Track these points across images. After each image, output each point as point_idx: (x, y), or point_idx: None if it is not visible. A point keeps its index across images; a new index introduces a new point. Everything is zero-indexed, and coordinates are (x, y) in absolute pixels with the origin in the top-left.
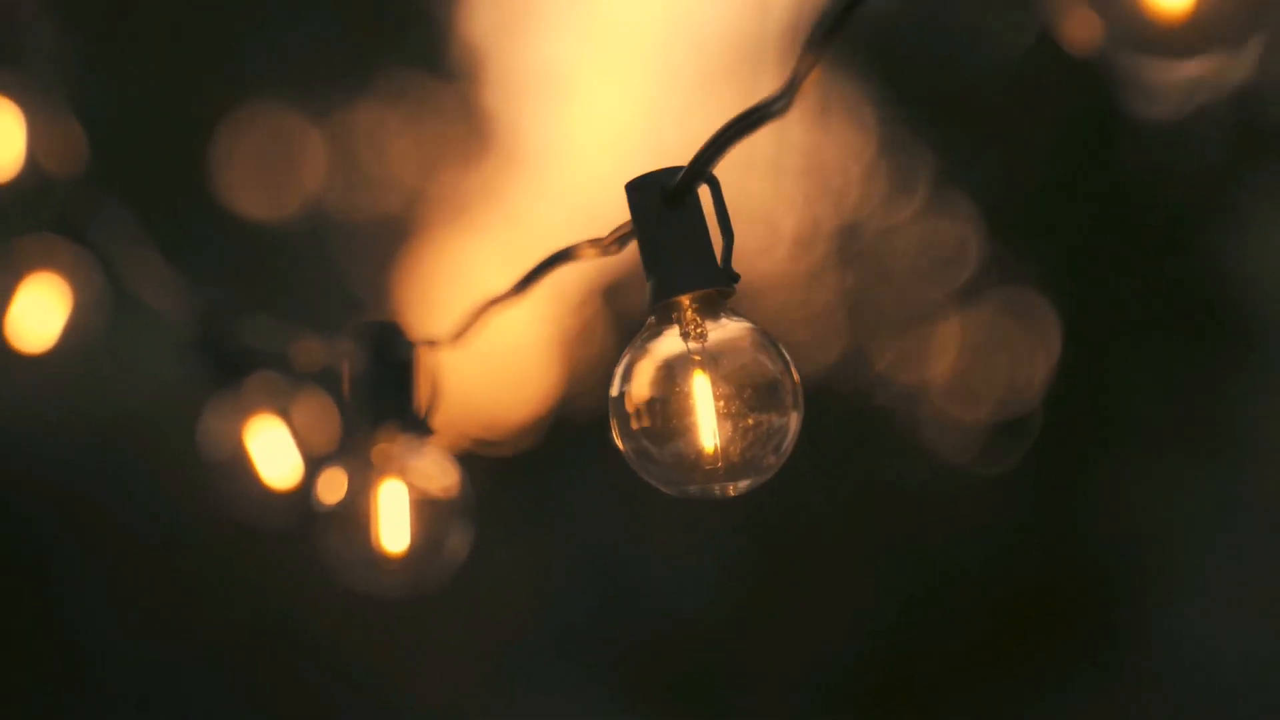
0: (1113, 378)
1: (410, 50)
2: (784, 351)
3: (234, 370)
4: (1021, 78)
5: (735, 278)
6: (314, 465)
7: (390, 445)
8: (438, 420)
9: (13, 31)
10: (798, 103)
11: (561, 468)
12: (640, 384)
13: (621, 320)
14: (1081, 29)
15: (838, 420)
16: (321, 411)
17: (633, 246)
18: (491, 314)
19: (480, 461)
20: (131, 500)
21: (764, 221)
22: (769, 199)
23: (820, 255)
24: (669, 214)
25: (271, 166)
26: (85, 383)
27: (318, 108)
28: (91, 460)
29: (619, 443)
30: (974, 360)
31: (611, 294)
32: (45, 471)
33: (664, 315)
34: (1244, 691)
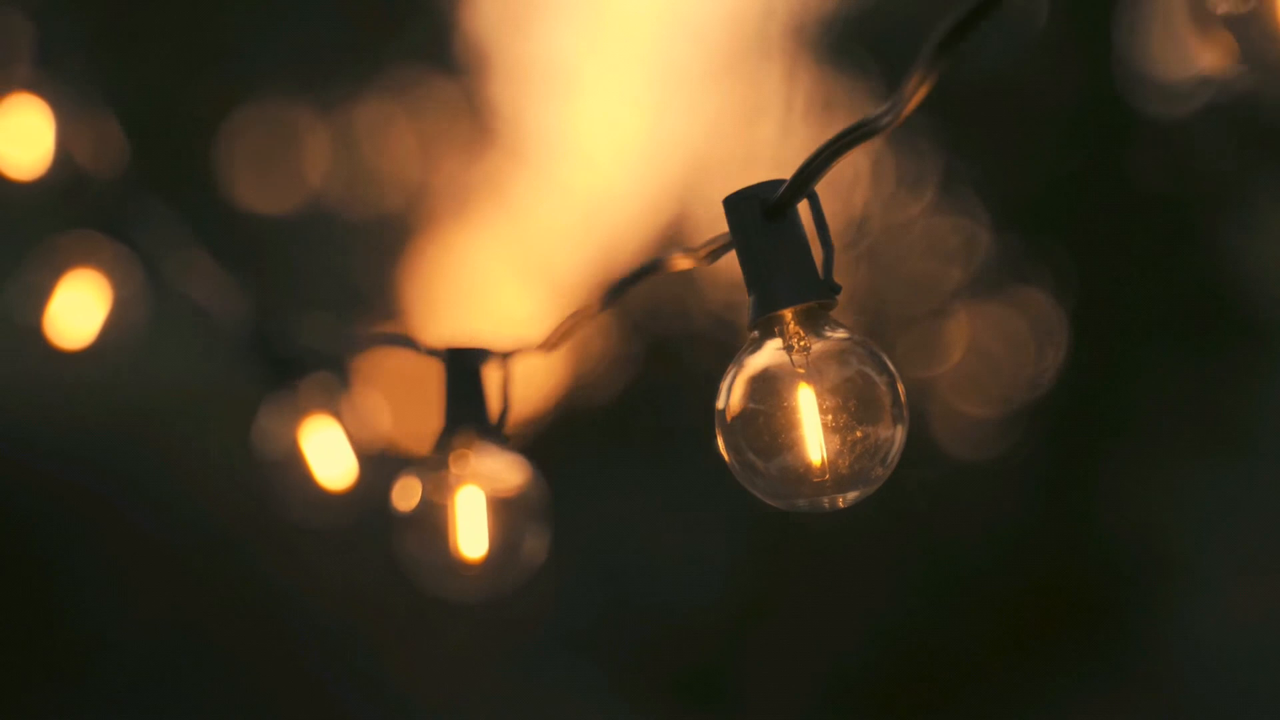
0: (1122, 375)
1: (413, 45)
2: (889, 363)
3: (288, 369)
4: (1030, 75)
5: (837, 289)
6: (378, 467)
7: (467, 451)
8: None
9: (45, 31)
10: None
11: (567, 464)
12: (745, 398)
13: (628, 317)
14: (1217, 50)
15: None
16: (375, 412)
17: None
18: (579, 324)
19: None
20: (140, 497)
21: None
22: None
23: None
24: (769, 228)
25: (274, 161)
26: (96, 379)
27: (321, 102)
28: (100, 455)
29: (725, 456)
30: (982, 357)
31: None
32: (52, 467)
33: (766, 329)
34: (1256, 690)
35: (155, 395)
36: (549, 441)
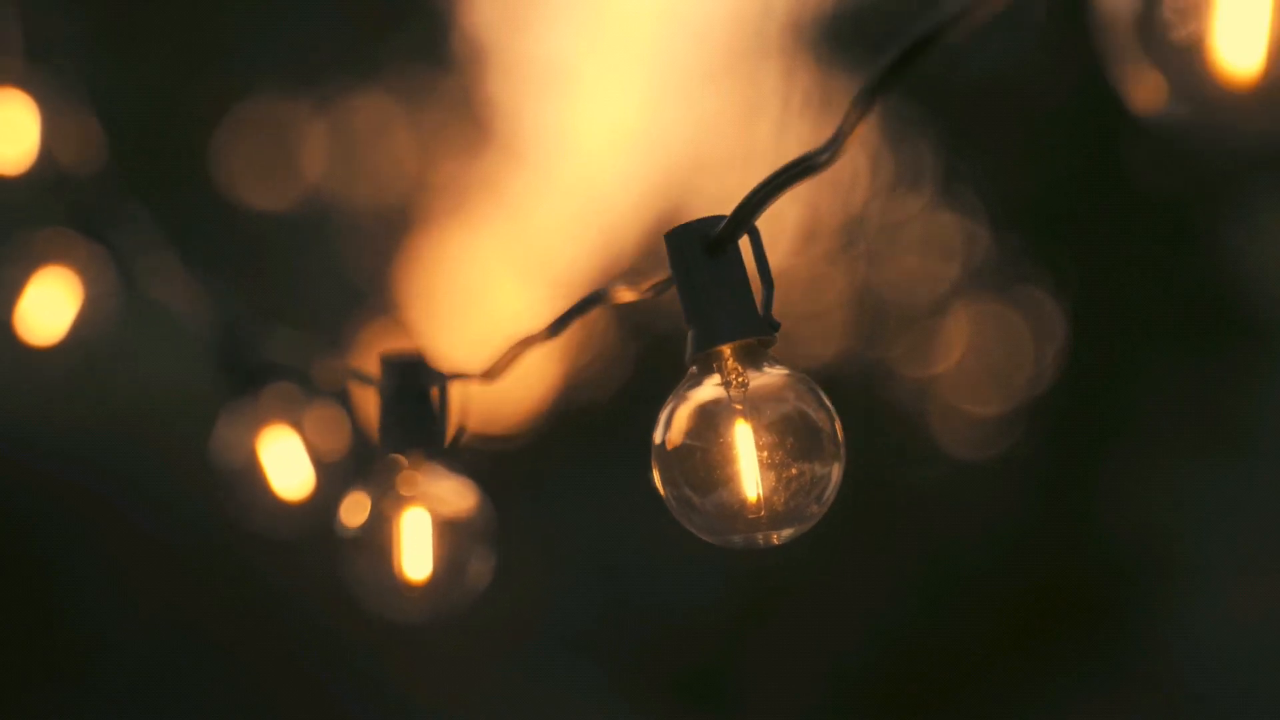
0: (1122, 375)
1: (411, 42)
2: (826, 400)
3: (249, 379)
4: (1030, 74)
5: (776, 326)
6: (329, 478)
7: (414, 472)
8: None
9: (30, 26)
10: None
11: (565, 463)
12: (683, 433)
13: (625, 316)
14: (1147, 91)
15: (843, 417)
16: (335, 424)
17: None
18: (524, 353)
19: (483, 457)
20: (138, 496)
21: (768, 217)
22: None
23: (825, 250)
24: (709, 263)
25: (272, 157)
26: (93, 378)
27: (318, 99)
28: (98, 455)
29: (660, 490)
30: (981, 357)
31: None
32: (52, 467)
33: (705, 365)
34: (1256, 690)
35: (155, 395)
36: (548, 442)
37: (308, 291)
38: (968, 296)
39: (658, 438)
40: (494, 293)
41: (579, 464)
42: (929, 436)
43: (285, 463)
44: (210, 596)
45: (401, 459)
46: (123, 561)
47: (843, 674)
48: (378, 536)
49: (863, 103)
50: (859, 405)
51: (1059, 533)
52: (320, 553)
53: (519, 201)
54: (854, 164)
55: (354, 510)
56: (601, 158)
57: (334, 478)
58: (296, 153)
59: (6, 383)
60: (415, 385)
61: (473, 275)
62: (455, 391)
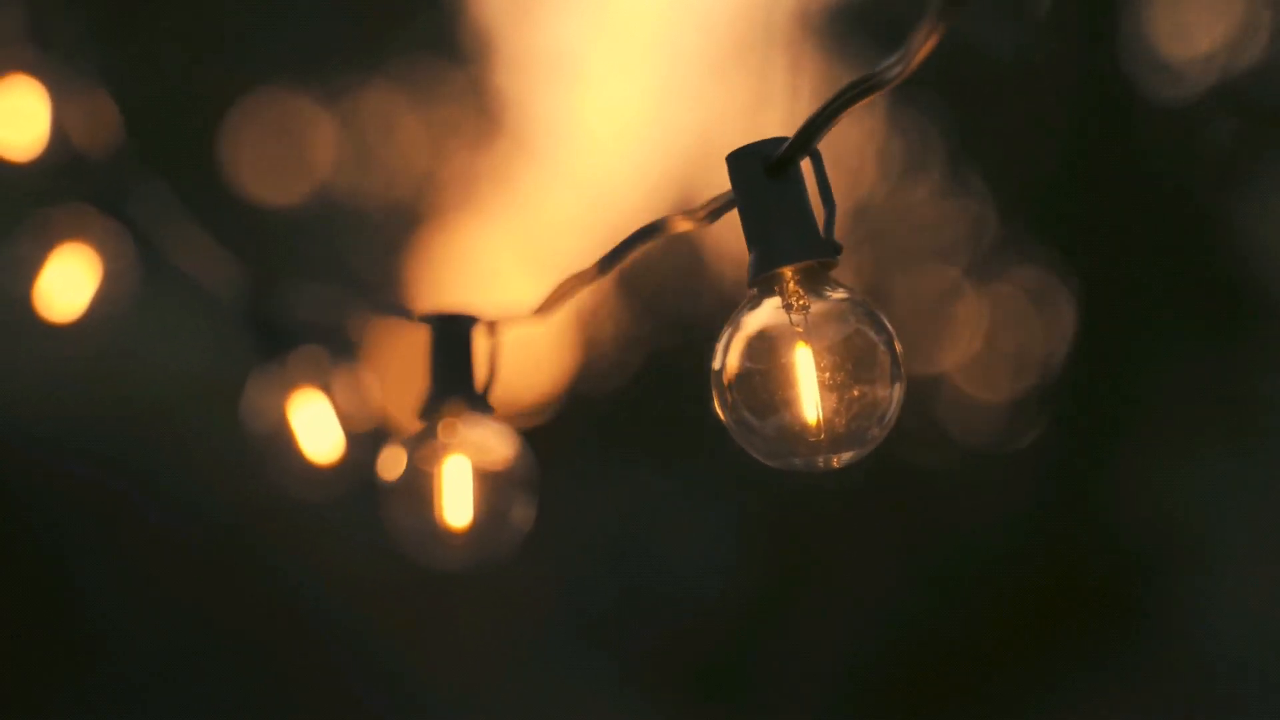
0: (1135, 360)
1: (420, 34)
2: (887, 323)
3: (278, 343)
4: (1036, 59)
5: (838, 249)
6: (369, 439)
7: (454, 420)
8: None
9: (37, 13)
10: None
11: (580, 454)
12: (742, 357)
13: (639, 303)
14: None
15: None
16: (365, 386)
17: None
18: (575, 289)
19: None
20: (149, 489)
21: None
22: None
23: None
24: (771, 185)
25: (281, 150)
26: (107, 369)
27: (328, 91)
28: (111, 448)
29: (720, 415)
30: (991, 343)
31: (629, 276)
32: (64, 462)
33: (766, 287)
34: (1274, 678)
35: (167, 388)
36: (562, 432)
37: (315, 285)
38: (977, 283)
39: (716, 364)
40: (502, 283)
41: (592, 455)
42: (940, 424)
43: (315, 426)
44: (223, 590)
45: (442, 408)
46: (134, 555)
47: (858, 664)
48: (419, 484)
49: (938, 13)
50: None
51: (1073, 522)
52: (335, 543)
53: (528, 193)
54: (861, 150)
55: (392, 462)
56: (610, 149)
57: (365, 441)
58: (305, 146)
59: (15, 379)
60: (457, 335)
61: (481, 266)
62: (494, 339)
